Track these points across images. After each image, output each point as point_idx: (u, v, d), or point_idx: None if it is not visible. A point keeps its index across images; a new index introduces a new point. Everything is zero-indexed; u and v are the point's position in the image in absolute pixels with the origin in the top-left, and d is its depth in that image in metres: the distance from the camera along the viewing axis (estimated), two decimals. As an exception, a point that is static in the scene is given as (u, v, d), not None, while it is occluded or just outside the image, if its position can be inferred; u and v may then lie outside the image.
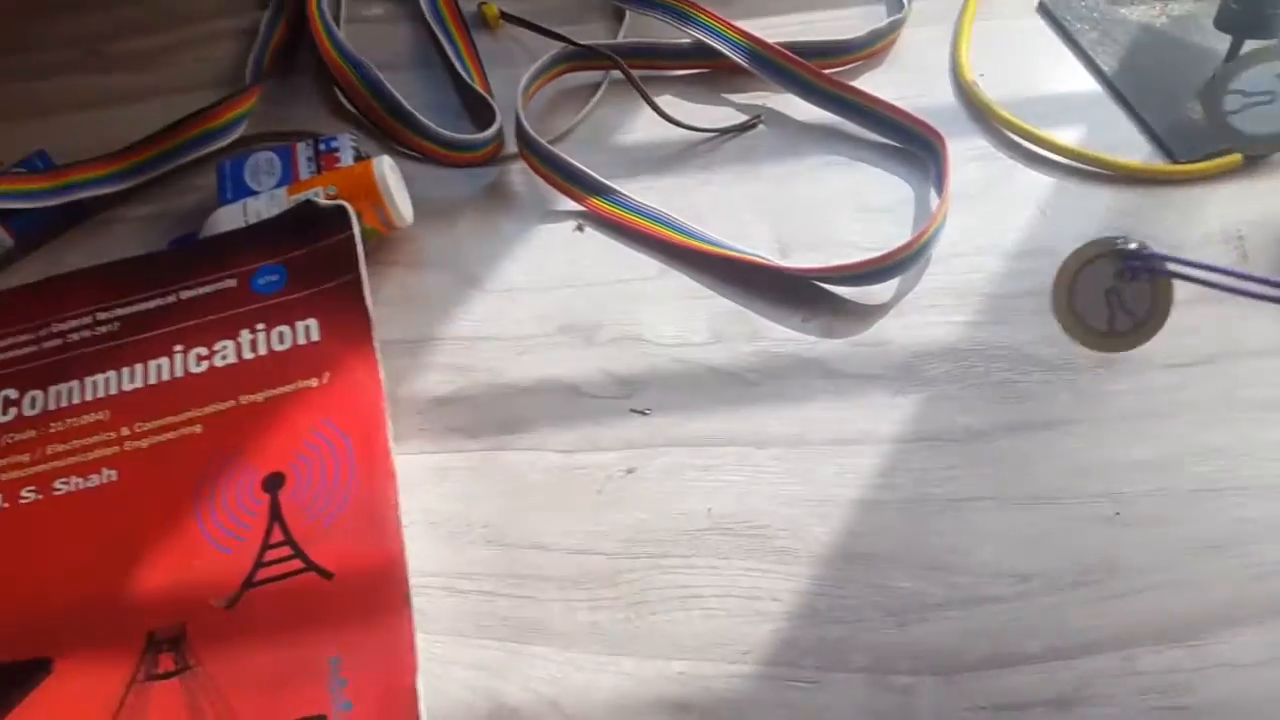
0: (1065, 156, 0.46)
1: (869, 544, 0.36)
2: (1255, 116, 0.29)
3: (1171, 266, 0.28)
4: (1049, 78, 0.49)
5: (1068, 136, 0.46)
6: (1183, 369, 0.39)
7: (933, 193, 0.44)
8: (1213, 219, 0.44)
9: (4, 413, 0.37)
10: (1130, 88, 0.48)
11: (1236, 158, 0.45)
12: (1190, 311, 0.37)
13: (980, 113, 0.48)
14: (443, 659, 0.34)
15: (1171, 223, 0.44)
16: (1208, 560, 0.34)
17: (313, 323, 0.38)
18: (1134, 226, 0.43)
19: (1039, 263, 0.42)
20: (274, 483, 0.35)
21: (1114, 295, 0.28)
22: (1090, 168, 0.46)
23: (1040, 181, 0.45)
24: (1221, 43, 0.47)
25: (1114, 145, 0.46)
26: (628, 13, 0.52)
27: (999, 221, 0.44)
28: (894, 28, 0.50)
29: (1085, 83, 0.49)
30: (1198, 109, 0.47)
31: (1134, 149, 0.46)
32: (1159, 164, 0.45)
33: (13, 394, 0.37)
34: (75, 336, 0.39)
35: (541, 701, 0.33)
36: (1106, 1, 0.52)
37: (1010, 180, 0.46)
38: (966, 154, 0.46)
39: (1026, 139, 0.46)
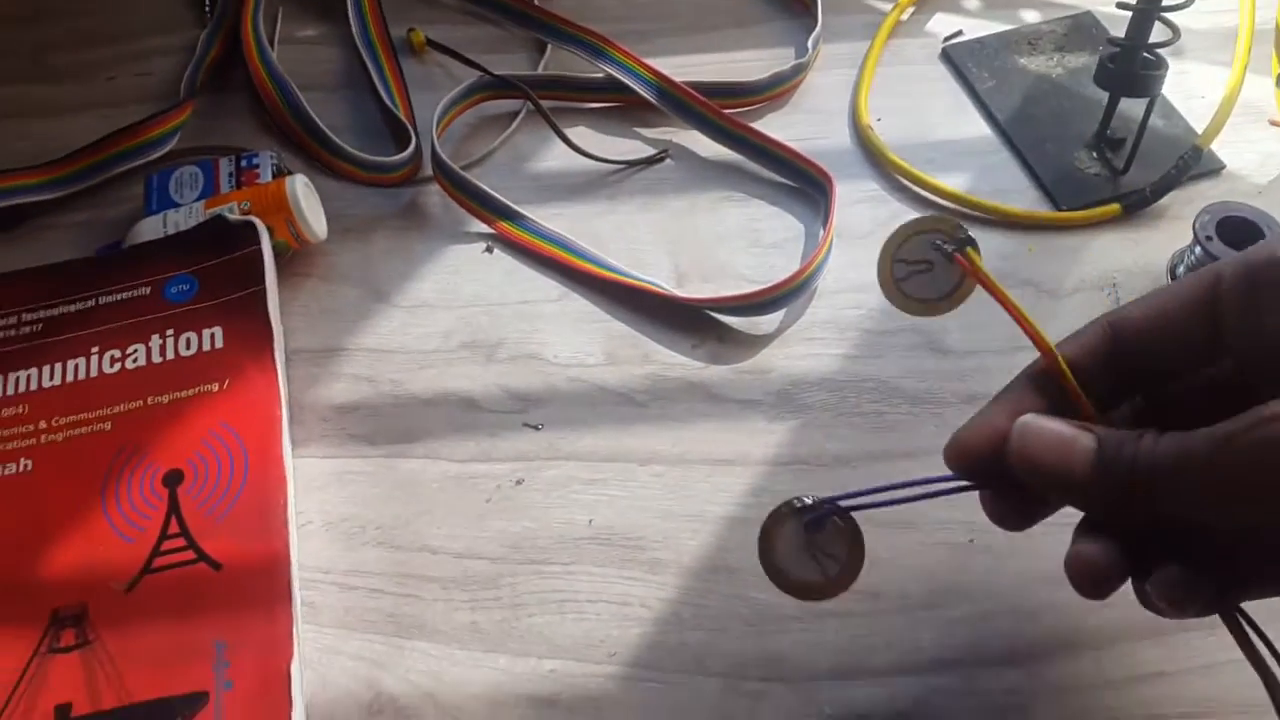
0: (952, 201, 0.48)
1: (735, 558, 0.38)
2: (918, 283, 0.33)
3: (845, 504, 0.31)
4: (945, 123, 0.52)
5: (958, 181, 0.49)
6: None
7: (821, 231, 0.47)
8: (1090, 265, 0.46)
9: (-71, 404, 0.39)
10: (1022, 136, 0.51)
11: (1115, 207, 0.48)
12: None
13: (873, 156, 0.50)
14: (330, 649, 0.36)
15: (1052, 269, 0.46)
16: (1051, 591, 0.36)
17: (218, 330, 0.40)
18: (1015, 270, 0.46)
19: (918, 300, 0.45)
20: (174, 478, 0.37)
21: (812, 547, 0.32)
22: (975, 213, 0.48)
23: (926, 223, 0.48)
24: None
25: (1003, 191, 0.49)
26: (549, 46, 0.54)
27: (883, 260, 0.47)
28: (798, 71, 0.52)
29: (979, 129, 0.52)
30: (1083, 158, 0.50)
31: (1021, 196, 0.49)
32: (1042, 211, 0.48)
33: (-63, 386, 0.39)
34: (1, 335, 0.41)
35: (419, 692, 0.35)
36: (1007, 51, 0.55)
37: (896, 222, 0.47)
38: (856, 195, 0.49)
39: (914, 183, 0.49)
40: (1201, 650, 0.36)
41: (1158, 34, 0.46)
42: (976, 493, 0.32)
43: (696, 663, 0.36)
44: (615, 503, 0.40)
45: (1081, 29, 0.55)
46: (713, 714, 0.35)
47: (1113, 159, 0.49)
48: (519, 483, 0.40)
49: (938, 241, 0.33)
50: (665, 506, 0.40)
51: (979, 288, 0.33)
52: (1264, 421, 0.24)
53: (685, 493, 0.40)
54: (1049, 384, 0.31)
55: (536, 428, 0.42)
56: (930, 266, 0.34)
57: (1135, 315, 0.30)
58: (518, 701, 0.35)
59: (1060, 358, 0.30)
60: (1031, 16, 0.57)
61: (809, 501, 0.32)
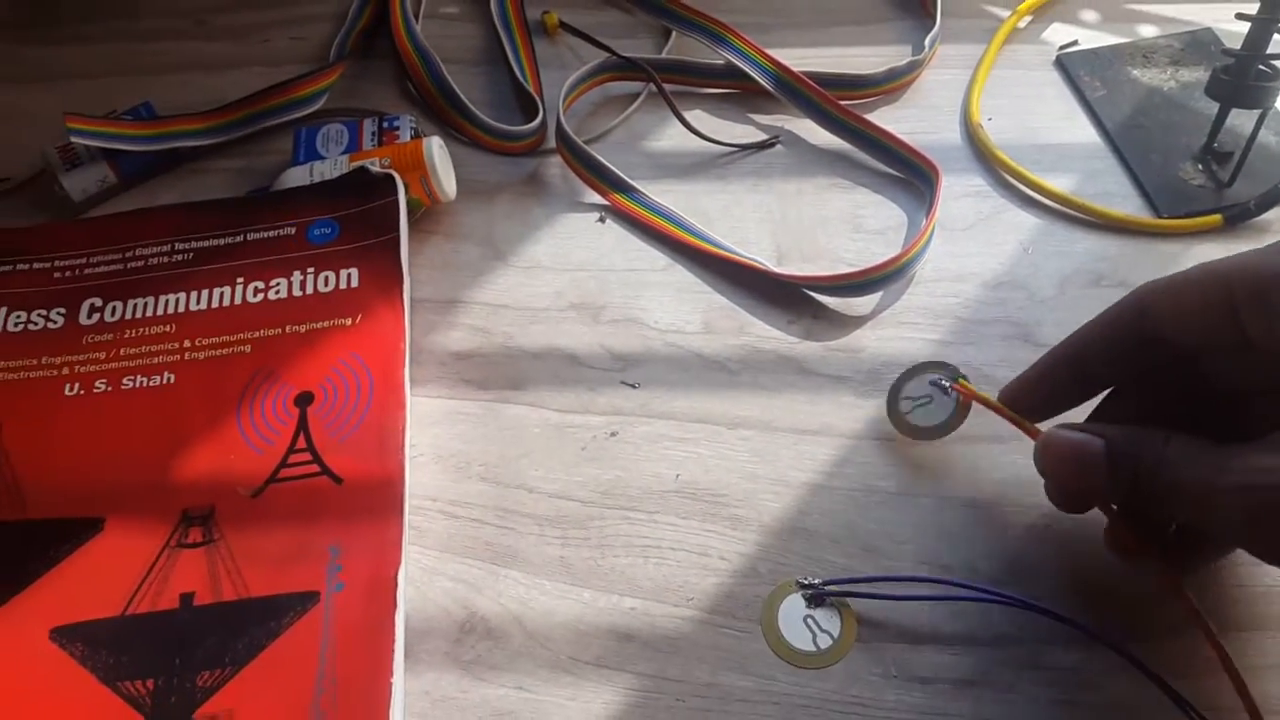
0: (1054, 201, 0.49)
1: (813, 522, 0.40)
2: (922, 414, 0.41)
3: (840, 588, 0.38)
4: (1053, 127, 0.53)
5: (1062, 182, 0.50)
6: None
7: (924, 221, 0.48)
8: (1185, 273, 0.47)
9: (89, 317, 0.43)
10: (1129, 144, 0.51)
11: (1217, 218, 0.48)
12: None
13: (982, 153, 0.52)
14: (431, 569, 0.39)
15: (1146, 272, 0.47)
16: (1121, 575, 0.37)
17: (354, 271, 0.44)
18: (1110, 271, 0.47)
19: (1014, 294, 0.46)
20: (304, 399, 0.40)
21: (810, 620, 0.38)
22: (1077, 214, 0.49)
23: (1028, 222, 0.49)
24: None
25: (1105, 195, 0.50)
26: (673, 33, 0.57)
27: (983, 254, 0.48)
28: (913, 67, 0.54)
29: (1087, 135, 0.53)
30: (1189, 170, 0.50)
31: (1124, 201, 0.50)
32: (1143, 216, 0.49)
33: (98, 302, 0.43)
34: (155, 260, 0.45)
35: (509, 615, 0.38)
36: (1120, 63, 0.55)
37: (999, 218, 0.49)
38: (963, 190, 0.50)
39: (1020, 181, 0.50)
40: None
41: (1275, 46, 0.46)
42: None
43: (772, 614, 0.38)
44: (702, 461, 0.42)
45: (1199, 45, 0.56)
46: (780, 663, 0.37)
47: (1219, 171, 0.50)
48: (613, 435, 0.43)
49: (936, 379, 0.41)
50: (749, 469, 0.42)
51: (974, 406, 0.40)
52: (1254, 478, 0.29)
53: (770, 457, 0.42)
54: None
55: (633, 386, 0.44)
56: (930, 400, 0.41)
57: (1165, 306, 0.33)
58: (598, 633, 0.38)
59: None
60: (1149, 31, 0.57)
61: (815, 581, 0.38)
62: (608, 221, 0.50)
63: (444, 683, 0.36)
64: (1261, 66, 0.46)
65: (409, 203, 0.47)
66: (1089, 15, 0.59)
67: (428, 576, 0.39)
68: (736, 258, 0.47)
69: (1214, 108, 0.49)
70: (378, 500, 0.38)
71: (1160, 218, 0.49)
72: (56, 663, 0.34)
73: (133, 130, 0.50)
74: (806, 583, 0.38)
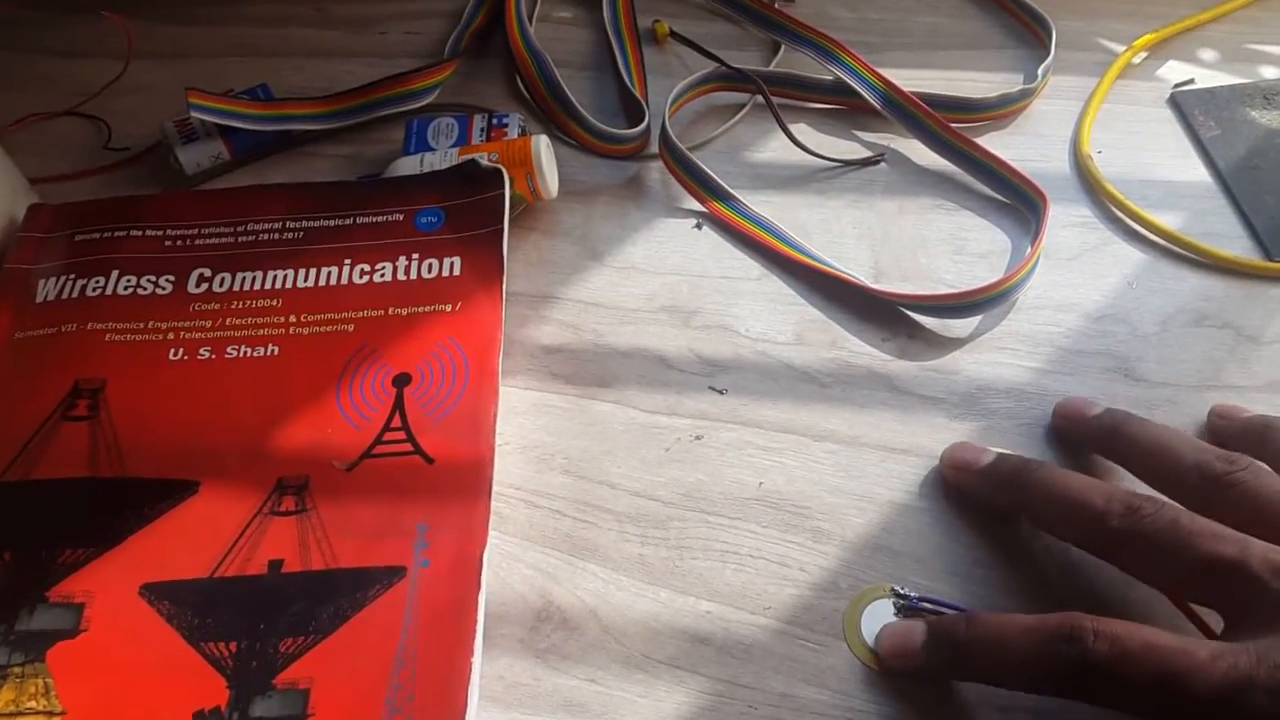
0: (1162, 237, 0.48)
1: (899, 542, 0.39)
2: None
3: (934, 606, 0.38)
4: (1164, 164, 0.52)
5: (1170, 220, 0.49)
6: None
7: (1029, 247, 0.48)
8: (1295, 318, 0.46)
9: (198, 286, 0.44)
10: (1241, 185, 0.50)
11: (1332, 265, 0.47)
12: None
13: (1090, 185, 0.51)
14: (511, 555, 0.39)
15: (1254, 315, 0.46)
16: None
17: (457, 260, 0.45)
18: (1215, 311, 0.46)
19: (1116, 328, 0.45)
20: (402, 380, 0.41)
21: None
22: (1184, 251, 0.48)
23: (1134, 256, 0.48)
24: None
25: (1214, 235, 0.49)
26: (782, 46, 0.57)
27: (1087, 285, 0.47)
28: (1024, 95, 0.53)
29: (1199, 174, 0.51)
30: (1306, 215, 0.49)
31: (1233, 243, 0.48)
32: (1252, 258, 0.48)
33: (207, 272, 0.45)
34: (265, 236, 0.46)
35: (585, 608, 0.38)
36: (1238, 103, 0.54)
37: (1105, 250, 0.49)
38: (1069, 219, 0.50)
39: (1128, 215, 0.49)
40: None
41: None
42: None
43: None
44: (786, 470, 0.42)
45: (1324, 88, 0.54)
46: (859, 676, 0.36)
47: (1336, 217, 0.48)
48: (698, 438, 0.43)
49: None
50: (834, 483, 0.41)
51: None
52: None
53: (856, 472, 0.41)
54: None
55: (721, 392, 0.44)
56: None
57: None
58: (673, 633, 0.37)
59: None
60: (1270, 73, 0.56)
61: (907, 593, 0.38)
62: (704, 228, 0.50)
63: (518, 669, 0.36)
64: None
65: (512, 198, 0.47)
66: (1207, 54, 0.58)
67: (507, 563, 0.39)
68: (832, 271, 0.47)
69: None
70: (467, 481, 0.38)
71: (1271, 260, 0.47)
72: (144, 619, 0.35)
73: (249, 109, 0.52)
74: (903, 593, 0.38)
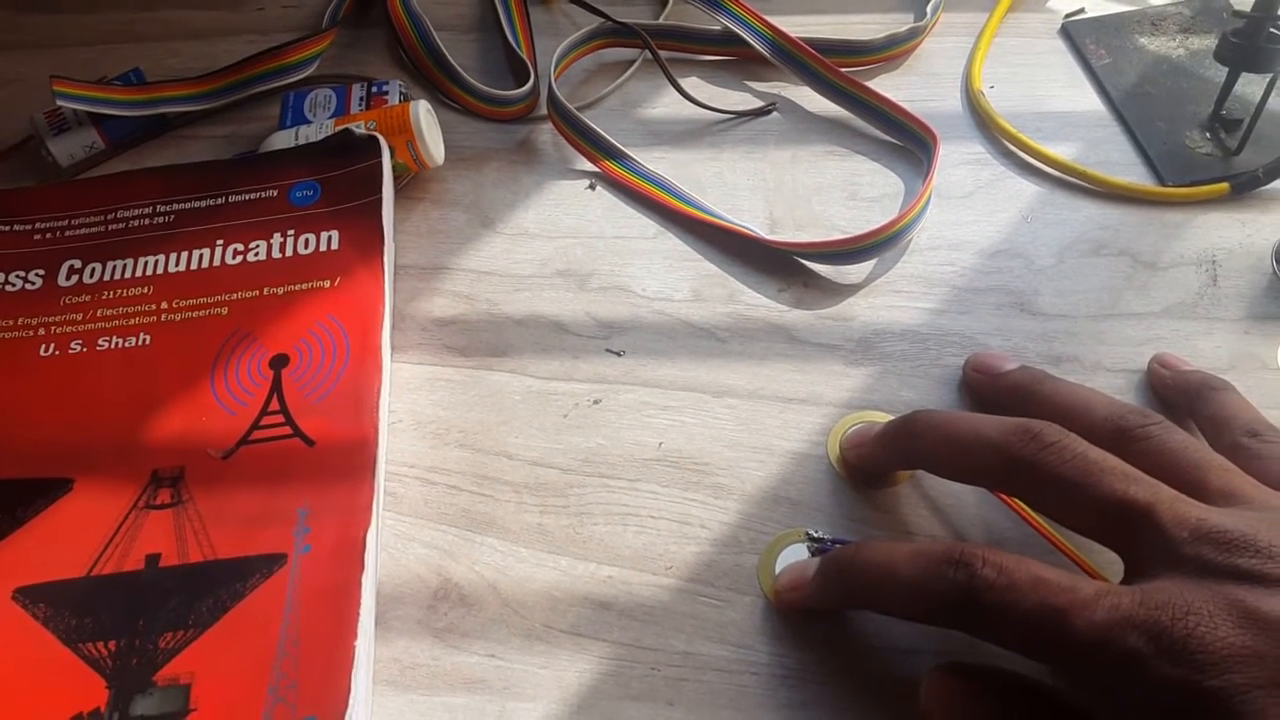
0: (1056, 169, 0.48)
1: (797, 491, 0.39)
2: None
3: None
4: (1057, 95, 0.52)
5: (1064, 150, 0.49)
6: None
7: (920, 187, 0.47)
8: (1191, 242, 0.46)
9: (68, 278, 0.42)
10: (1134, 112, 0.50)
11: (1223, 186, 0.46)
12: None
13: (983, 121, 0.50)
14: (406, 536, 0.38)
15: (1151, 242, 0.46)
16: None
17: (335, 233, 0.43)
18: (1111, 240, 0.46)
19: (1011, 263, 0.45)
20: (280, 361, 0.40)
21: None
22: (1078, 182, 0.48)
23: (1028, 190, 0.48)
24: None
25: (1108, 164, 0.48)
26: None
27: (981, 222, 0.47)
28: (914, 34, 0.53)
29: (1091, 104, 0.51)
30: (1195, 138, 0.49)
31: (1128, 170, 0.48)
32: (1146, 184, 0.47)
33: (77, 264, 0.43)
34: (136, 223, 0.44)
35: (483, 583, 0.37)
36: (1128, 30, 0.54)
37: (999, 186, 0.48)
38: (962, 157, 0.49)
39: (1022, 149, 0.49)
40: None
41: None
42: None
43: (750, 584, 0.37)
44: (686, 429, 0.41)
45: (1210, 12, 0.54)
46: (760, 629, 0.36)
47: (1226, 139, 0.48)
48: (596, 402, 0.42)
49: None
50: (734, 437, 0.41)
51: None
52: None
53: (755, 426, 0.41)
54: None
55: (618, 354, 0.43)
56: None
57: None
58: (575, 601, 0.37)
59: None
60: (1159, -1, 0.56)
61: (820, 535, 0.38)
62: (598, 189, 0.49)
63: (415, 650, 0.36)
64: (1272, 29, 0.45)
65: (396, 168, 0.46)
66: (1098, -17, 0.57)
67: (402, 543, 0.38)
68: (727, 225, 0.46)
69: (1224, 75, 0.48)
70: (349, 463, 0.37)
71: (1165, 186, 0.47)
72: (17, 624, 0.34)
73: (121, 95, 0.50)
74: (816, 535, 0.37)
